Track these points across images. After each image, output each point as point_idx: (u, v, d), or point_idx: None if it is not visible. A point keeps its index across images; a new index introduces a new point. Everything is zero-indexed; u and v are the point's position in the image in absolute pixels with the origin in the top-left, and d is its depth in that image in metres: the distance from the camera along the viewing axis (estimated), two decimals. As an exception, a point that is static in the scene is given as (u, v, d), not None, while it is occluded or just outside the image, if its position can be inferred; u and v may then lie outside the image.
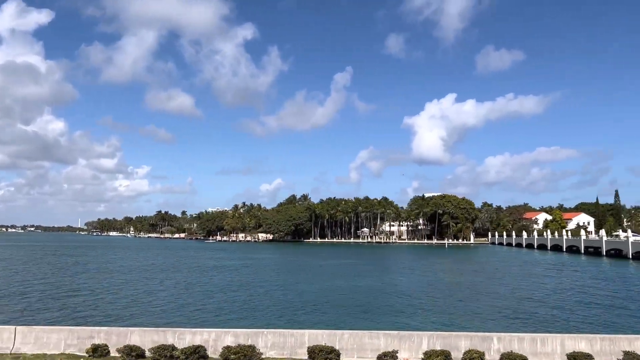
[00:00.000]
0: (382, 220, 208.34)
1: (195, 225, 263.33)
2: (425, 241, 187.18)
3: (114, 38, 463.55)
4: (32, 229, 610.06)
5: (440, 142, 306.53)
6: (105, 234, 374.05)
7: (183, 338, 16.84)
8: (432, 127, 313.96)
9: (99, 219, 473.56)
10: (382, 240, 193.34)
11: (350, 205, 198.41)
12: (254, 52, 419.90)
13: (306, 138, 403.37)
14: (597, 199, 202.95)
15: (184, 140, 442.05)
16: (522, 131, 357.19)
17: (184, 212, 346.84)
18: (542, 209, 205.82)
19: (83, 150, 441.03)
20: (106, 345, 16.42)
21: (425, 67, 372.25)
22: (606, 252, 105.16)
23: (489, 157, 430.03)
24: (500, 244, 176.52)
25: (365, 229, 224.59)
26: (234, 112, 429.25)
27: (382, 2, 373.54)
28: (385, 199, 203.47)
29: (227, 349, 15.93)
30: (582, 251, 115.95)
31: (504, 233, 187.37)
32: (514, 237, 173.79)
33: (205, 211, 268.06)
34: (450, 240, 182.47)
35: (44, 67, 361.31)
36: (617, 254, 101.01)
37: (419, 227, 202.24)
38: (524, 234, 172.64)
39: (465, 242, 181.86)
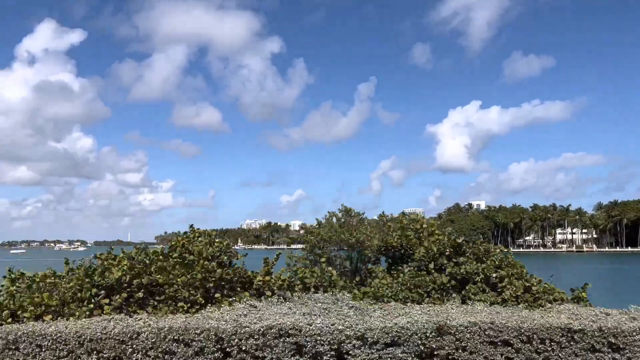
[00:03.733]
0: (553, 227, 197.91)
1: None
2: (628, 248, 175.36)
3: (145, 56, 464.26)
4: (77, 244, 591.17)
5: (463, 149, 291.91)
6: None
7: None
8: (455, 134, 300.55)
9: (165, 232, 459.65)
10: (575, 249, 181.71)
11: (539, 213, 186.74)
12: (280, 65, 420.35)
13: (329, 149, 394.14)
14: None
15: (208, 154, 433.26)
16: (547, 137, 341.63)
17: (285, 224, 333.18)
18: None
19: (110, 165, 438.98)
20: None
21: (449, 75, 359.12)
22: None
23: (513, 163, 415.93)
24: None
25: (528, 237, 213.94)
26: (259, 125, 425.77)
27: (409, 13, 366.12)
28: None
29: None
30: None
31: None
32: None
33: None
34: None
35: (77, 85, 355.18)
36: None
37: (602, 235, 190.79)
38: None
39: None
